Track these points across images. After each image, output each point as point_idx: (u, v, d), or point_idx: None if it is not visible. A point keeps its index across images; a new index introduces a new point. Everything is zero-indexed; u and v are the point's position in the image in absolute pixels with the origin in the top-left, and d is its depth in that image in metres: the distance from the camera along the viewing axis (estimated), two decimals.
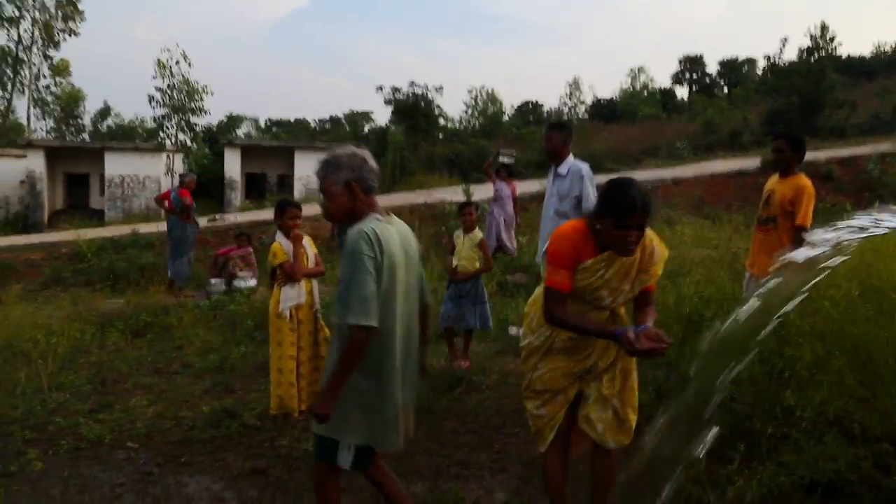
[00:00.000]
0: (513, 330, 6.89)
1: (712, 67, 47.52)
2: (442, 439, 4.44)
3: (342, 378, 2.58)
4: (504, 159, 11.25)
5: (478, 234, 6.07)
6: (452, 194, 14.79)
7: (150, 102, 18.97)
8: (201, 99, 19.08)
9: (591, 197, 5.42)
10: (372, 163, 2.78)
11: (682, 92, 46.78)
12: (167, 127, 19.74)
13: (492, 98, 43.25)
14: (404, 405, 2.79)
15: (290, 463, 4.14)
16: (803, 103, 24.88)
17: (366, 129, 39.75)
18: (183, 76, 18.80)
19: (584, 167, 5.48)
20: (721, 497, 3.20)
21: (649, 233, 2.80)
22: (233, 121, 33.95)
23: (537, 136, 28.65)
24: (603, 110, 43.67)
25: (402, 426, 2.79)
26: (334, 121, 44.50)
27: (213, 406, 5.09)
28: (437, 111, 32.22)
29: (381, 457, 2.91)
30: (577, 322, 2.78)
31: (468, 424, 4.68)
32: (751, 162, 16.16)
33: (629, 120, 36.94)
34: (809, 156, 16.87)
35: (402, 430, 2.78)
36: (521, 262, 10.23)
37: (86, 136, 38.86)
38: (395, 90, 31.64)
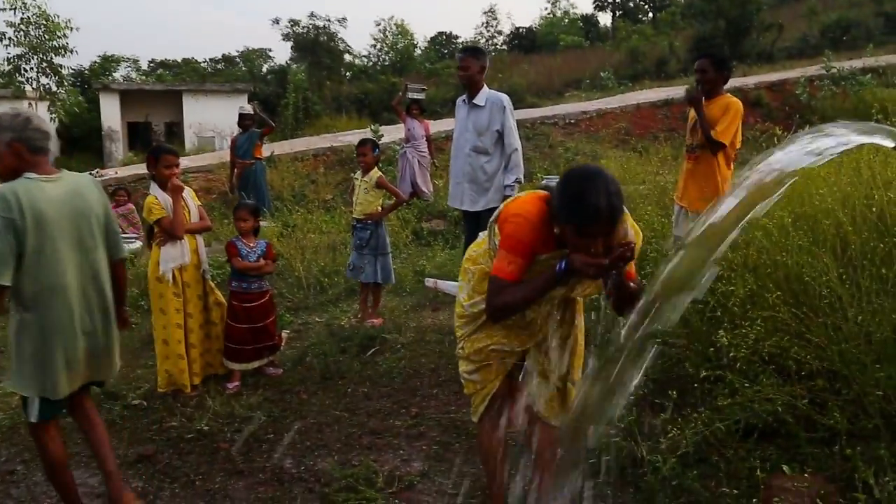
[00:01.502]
0: (429, 282, 6.79)
1: None
2: (352, 407, 4.32)
3: None
4: (413, 95, 10.97)
5: (374, 173, 5.84)
6: (361, 137, 14.44)
7: (2, 41, 17.46)
8: (64, 36, 17.69)
9: (513, 131, 5.33)
10: (39, 123, 3.00)
11: (604, 18, 47.14)
12: (25, 70, 18.26)
13: (402, 30, 42.41)
14: (91, 353, 3.09)
15: (180, 446, 3.93)
16: (730, 27, 25.43)
17: (264, 68, 38.33)
18: (39, 8, 17.35)
19: (505, 98, 5.39)
20: (654, 449, 3.20)
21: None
22: (108, 62, 31.93)
23: (453, 71, 28.36)
24: (522, 40, 43.54)
25: (83, 373, 3.11)
26: (228, 60, 42.70)
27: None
28: (341, 46, 31.33)
29: (84, 398, 3.28)
30: (523, 295, 2.49)
31: (382, 388, 4.58)
32: (678, 91, 16.43)
33: (550, 50, 36.96)
34: (738, 82, 17.24)
35: (81, 376, 3.11)
36: (438, 207, 10.09)
37: None
38: (294, 23, 30.57)
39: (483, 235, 2.86)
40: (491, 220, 2.70)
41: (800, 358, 3.17)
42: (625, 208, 2.41)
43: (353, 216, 5.92)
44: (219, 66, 41.59)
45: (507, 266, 2.49)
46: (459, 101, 5.60)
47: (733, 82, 16.62)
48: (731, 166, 4.67)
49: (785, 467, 2.85)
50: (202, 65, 40.71)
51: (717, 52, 4.93)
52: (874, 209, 3.76)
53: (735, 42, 25.37)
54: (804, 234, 3.77)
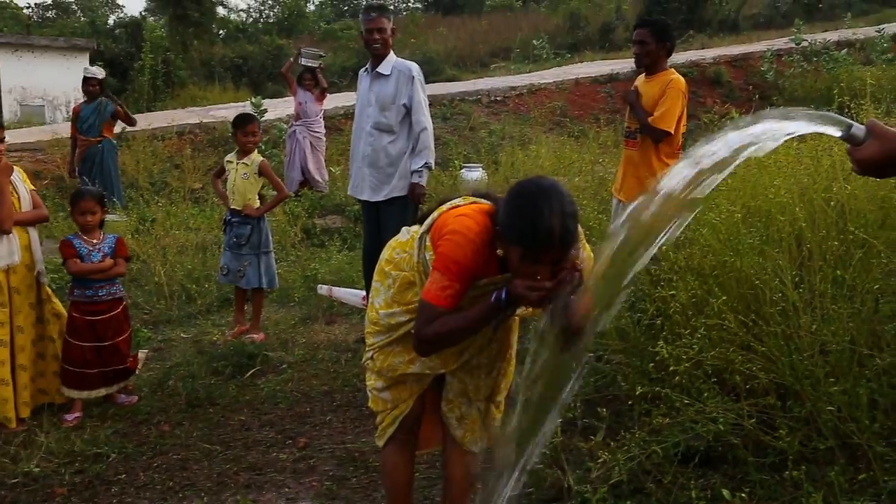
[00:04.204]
0: (323, 290, 6.90)
1: None
2: (227, 439, 4.40)
3: None
4: (307, 61, 11.02)
5: (256, 156, 5.96)
6: (239, 111, 14.32)
7: None
8: None
9: (423, 106, 5.51)
10: None
11: None
12: None
13: None
14: None
15: (1, 494, 3.90)
16: None
17: (111, 20, 37.39)
18: None
19: (415, 67, 5.57)
20: (583, 478, 3.42)
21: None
22: None
23: (354, 33, 28.45)
24: None
25: None
26: (61, 7, 41.43)
27: None
28: None
29: None
30: (458, 327, 2.58)
31: (263, 416, 4.67)
32: (625, 63, 17.01)
33: (474, 11, 37.51)
34: (694, 55, 17.98)
35: None
36: (334, 200, 10.20)
37: None
38: None
39: (409, 232, 2.98)
40: (422, 230, 2.80)
41: (747, 371, 3.45)
42: (580, 229, 2.55)
43: (231, 207, 5.98)
44: (48, 15, 40.30)
45: (441, 292, 2.56)
46: (361, 71, 5.78)
47: (689, 55, 17.48)
48: (677, 154, 4.96)
49: (725, 492, 3.11)
50: (24, 11, 39.33)
51: (658, 20, 5.25)
52: (833, 203, 4.11)
53: (694, 7, 26.45)
54: (756, 231, 4.08)
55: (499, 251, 2.57)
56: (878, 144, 1.88)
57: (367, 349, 3.01)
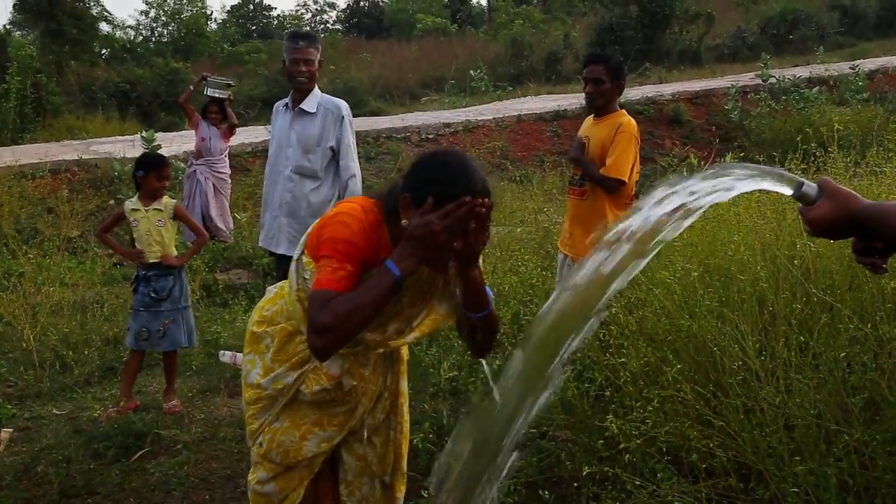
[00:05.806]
0: (226, 356, 6.90)
1: None
2: None
3: None
4: (214, 92, 10.87)
5: (168, 200, 6.04)
6: (127, 147, 14.25)
7: None
8: None
9: (353, 150, 5.61)
10: None
11: None
12: None
13: None
14: None
15: None
16: (645, 16, 27.28)
17: None
18: None
19: (344, 105, 5.67)
20: None
21: None
22: None
23: (264, 57, 28.56)
24: (364, 19, 44.57)
25: None
26: None
27: None
28: (95, 11, 30.79)
29: None
30: (357, 302, 2.51)
31: None
32: (573, 99, 17.36)
33: (403, 35, 37.99)
34: (650, 91, 18.53)
35: None
36: (240, 252, 10.19)
37: None
38: None
39: (275, 289, 3.09)
40: (297, 254, 2.91)
41: (705, 449, 3.60)
42: None
43: (150, 260, 5.97)
44: None
45: (332, 274, 2.57)
46: (279, 105, 5.86)
47: (645, 90, 17.96)
48: (630, 203, 5.13)
49: None
50: None
51: (613, 56, 5.39)
52: (796, 262, 4.34)
53: (651, 36, 27.23)
54: (714, 292, 4.28)
55: (403, 221, 2.62)
56: (829, 204, 2.02)
57: (252, 436, 3.08)
